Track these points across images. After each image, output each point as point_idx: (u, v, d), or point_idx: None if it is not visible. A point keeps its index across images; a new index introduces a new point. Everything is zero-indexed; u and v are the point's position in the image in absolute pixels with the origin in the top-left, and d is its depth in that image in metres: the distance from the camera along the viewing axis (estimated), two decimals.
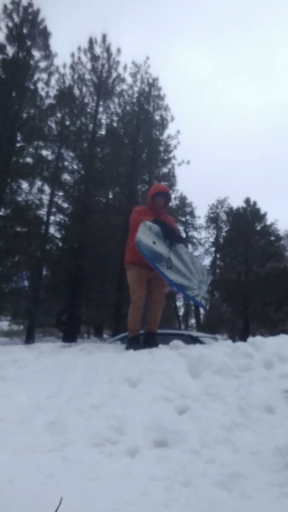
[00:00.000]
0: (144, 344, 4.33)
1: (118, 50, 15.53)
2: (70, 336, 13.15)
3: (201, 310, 28.11)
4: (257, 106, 77.81)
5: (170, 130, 16.03)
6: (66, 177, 14.77)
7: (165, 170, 15.94)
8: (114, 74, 15.42)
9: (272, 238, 20.83)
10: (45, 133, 13.40)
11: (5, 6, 13.35)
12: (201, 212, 38.96)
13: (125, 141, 14.73)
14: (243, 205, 20.59)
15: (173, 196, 16.55)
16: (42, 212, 13.98)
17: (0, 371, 3.20)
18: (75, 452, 1.92)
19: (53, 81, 13.95)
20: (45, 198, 13.99)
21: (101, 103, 15.39)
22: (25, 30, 13.47)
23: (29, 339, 12.50)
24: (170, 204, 16.04)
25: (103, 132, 15.39)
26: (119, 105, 15.32)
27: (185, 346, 4.04)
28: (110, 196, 15.81)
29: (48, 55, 13.78)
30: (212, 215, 29.68)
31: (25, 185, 13.20)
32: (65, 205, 15.22)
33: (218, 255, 26.14)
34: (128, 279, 4.43)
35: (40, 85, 13.47)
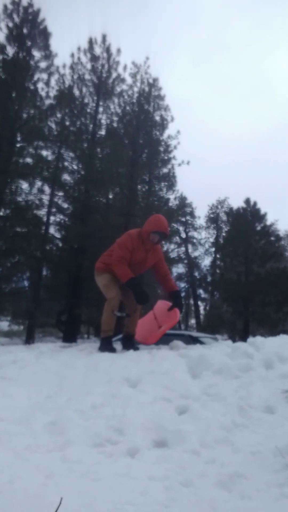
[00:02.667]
0: (123, 346, 4.32)
1: (118, 51, 15.57)
2: (70, 336, 13.16)
3: (201, 310, 28.13)
4: (257, 108, 78.21)
5: (170, 130, 16.06)
6: (66, 177, 14.79)
7: (165, 170, 15.95)
8: (114, 75, 15.45)
9: (272, 238, 20.84)
10: (45, 134, 13.41)
11: (5, 6, 13.38)
12: (201, 212, 39.00)
13: (125, 142, 14.74)
14: (243, 205, 20.61)
15: (173, 196, 16.56)
16: (42, 212, 14.00)
17: (0, 371, 3.20)
18: (75, 452, 1.92)
19: (53, 82, 14.00)
20: (45, 199, 14.01)
21: (101, 103, 15.41)
22: (25, 30, 13.49)
23: (29, 339, 12.50)
24: (170, 204, 16.16)
25: (103, 132, 15.40)
26: (119, 106, 15.33)
27: (185, 347, 4.04)
28: (110, 196, 15.81)
29: (48, 55, 13.80)
30: (212, 215, 29.67)
31: (25, 185, 13.22)
32: (65, 205, 15.24)
33: (218, 255, 26.12)
34: (100, 282, 4.37)
35: (40, 85, 13.51)
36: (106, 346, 4.24)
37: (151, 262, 4.35)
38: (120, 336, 5.12)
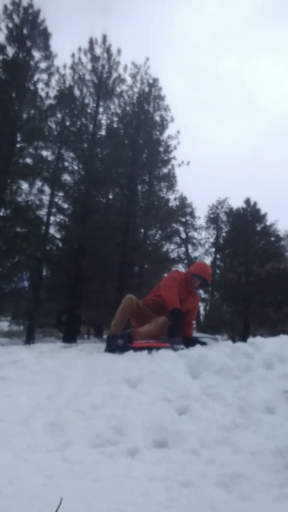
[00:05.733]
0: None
1: (119, 51, 15.58)
2: (70, 336, 13.15)
3: (201, 311, 28.10)
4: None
5: (170, 130, 16.08)
6: (66, 177, 14.80)
7: (165, 170, 15.97)
8: (114, 75, 15.46)
9: (272, 238, 20.83)
10: (45, 134, 13.41)
11: (5, 7, 13.38)
12: (201, 213, 38.96)
13: (125, 142, 14.74)
14: (243, 205, 20.61)
15: (173, 196, 16.57)
16: (42, 212, 14.00)
17: (0, 371, 3.20)
18: (75, 453, 1.92)
19: (53, 82, 13.98)
20: (45, 199, 14.01)
21: (101, 103, 15.42)
22: (25, 31, 13.48)
23: (29, 339, 12.48)
24: (170, 204, 16.18)
25: (103, 132, 15.41)
26: (119, 106, 15.34)
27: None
28: (110, 197, 15.82)
29: (48, 56, 13.79)
30: (212, 216, 29.65)
31: (25, 185, 13.21)
32: (65, 205, 15.25)
33: (218, 256, 26.11)
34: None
35: (40, 85, 13.49)
36: (106, 346, 4.25)
37: (190, 304, 4.52)
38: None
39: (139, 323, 4.42)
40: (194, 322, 5.49)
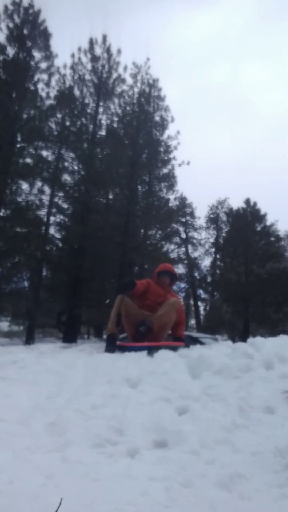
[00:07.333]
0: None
1: (119, 51, 15.57)
2: (70, 336, 13.15)
3: (201, 311, 28.11)
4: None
5: (170, 130, 16.08)
6: (66, 177, 14.79)
7: (165, 170, 15.98)
8: (114, 75, 15.45)
9: (272, 238, 20.85)
10: (45, 134, 13.42)
11: (5, 7, 13.38)
12: (201, 213, 38.87)
13: (125, 142, 14.75)
14: (243, 205, 20.62)
15: (173, 196, 16.58)
16: (42, 212, 14.00)
17: (0, 371, 3.20)
18: (75, 453, 1.92)
19: (53, 82, 13.99)
20: (45, 199, 14.01)
21: (101, 103, 15.41)
22: (25, 31, 13.49)
23: (29, 339, 12.48)
24: (170, 205, 16.18)
25: (103, 132, 15.41)
26: (119, 106, 15.35)
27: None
28: (110, 197, 15.81)
29: (49, 56, 13.80)
30: (212, 216, 29.58)
31: (25, 185, 13.21)
32: (65, 205, 15.24)
33: (218, 256, 26.07)
34: None
35: (40, 85, 13.51)
36: (106, 346, 4.27)
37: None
38: (122, 335, 5.15)
39: (127, 322, 4.48)
40: (188, 323, 5.51)
